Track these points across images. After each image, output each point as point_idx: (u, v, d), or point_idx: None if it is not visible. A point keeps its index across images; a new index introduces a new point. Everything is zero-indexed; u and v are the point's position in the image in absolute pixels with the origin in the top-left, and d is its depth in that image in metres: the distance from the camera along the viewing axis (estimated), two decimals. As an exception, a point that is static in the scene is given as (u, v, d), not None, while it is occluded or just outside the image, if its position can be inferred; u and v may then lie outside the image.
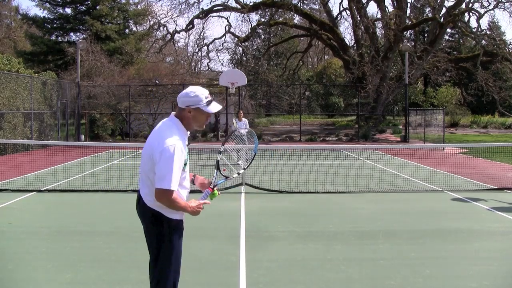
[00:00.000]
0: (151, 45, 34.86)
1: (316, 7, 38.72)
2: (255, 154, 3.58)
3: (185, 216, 3.06)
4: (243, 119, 14.39)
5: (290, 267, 4.89)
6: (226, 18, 50.52)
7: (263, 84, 37.22)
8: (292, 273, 4.72)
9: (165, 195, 2.77)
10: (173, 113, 3.04)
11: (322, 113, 40.33)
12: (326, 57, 47.45)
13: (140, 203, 2.99)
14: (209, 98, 2.97)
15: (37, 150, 16.91)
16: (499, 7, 26.61)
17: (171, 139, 2.81)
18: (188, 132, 3.07)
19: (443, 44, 40.45)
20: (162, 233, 2.92)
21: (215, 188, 3.15)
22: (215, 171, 3.29)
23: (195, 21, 30.84)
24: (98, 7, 32.11)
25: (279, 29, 36.79)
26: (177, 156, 2.79)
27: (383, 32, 29.74)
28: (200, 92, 2.93)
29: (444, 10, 27.67)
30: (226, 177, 3.35)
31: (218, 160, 3.31)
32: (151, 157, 2.84)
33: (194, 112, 2.93)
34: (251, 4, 29.24)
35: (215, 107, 2.99)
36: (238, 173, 3.59)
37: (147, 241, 3.03)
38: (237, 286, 4.37)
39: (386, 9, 28.71)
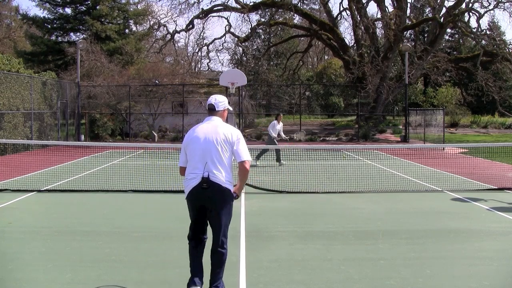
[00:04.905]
0: (151, 45, 34.85)
1: (316, 7, 38.79)
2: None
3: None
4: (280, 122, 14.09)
5: (290, 267, 4.89)
6: (226, 18, 50.64)
7: (263, 84, 37.16)
8: (292, 273, 4.72)
9: (249, 164, 4.05)
10: (207, 117, 4.19)
11: (322, 113, 40.30)
12: (326, 57, 47.41)
13: (215, 185, 3.92)
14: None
15: (37, 150, 16.90)
16: (499, 7, 26.66)
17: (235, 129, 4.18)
18: None
19: (443, 44, 40.52)
20: (231, 204, 4.07)
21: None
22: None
23: (195, 21, 30.87)
24: (98, 7, 32.10)
25: (279, 29, 36.77)
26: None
27: (383, 32, 29.74)
28: (225, 98, 4.27)
29: (444, 10, 27.71)
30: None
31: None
32: (229, 142, 4.01)
33: (227, 111, 4.28)
34: (251, 4, 29.27)
35: (230, 107, 4.39)
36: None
37: (217, 214, 3.96)
38: (237, 286, 4.37)
39: (386, 9, 28.73)
